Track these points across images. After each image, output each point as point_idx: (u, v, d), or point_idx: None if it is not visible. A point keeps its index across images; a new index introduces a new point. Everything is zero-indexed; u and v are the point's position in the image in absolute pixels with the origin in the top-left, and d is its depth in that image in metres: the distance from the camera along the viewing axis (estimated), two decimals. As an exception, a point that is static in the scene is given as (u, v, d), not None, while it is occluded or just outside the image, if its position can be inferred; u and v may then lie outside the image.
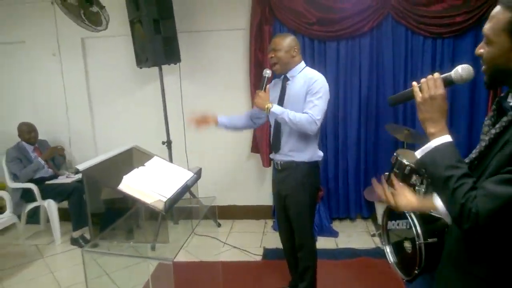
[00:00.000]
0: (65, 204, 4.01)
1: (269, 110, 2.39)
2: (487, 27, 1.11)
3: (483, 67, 1.16)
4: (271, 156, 2.70)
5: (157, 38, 3.49)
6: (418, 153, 1.21)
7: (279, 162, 2.60)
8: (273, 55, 2.51)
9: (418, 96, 1.22)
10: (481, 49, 1.14)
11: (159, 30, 3.50)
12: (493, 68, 1.12)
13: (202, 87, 4.17)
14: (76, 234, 3.91)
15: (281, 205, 2.68)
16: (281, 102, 2.52)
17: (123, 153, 2.42)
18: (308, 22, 3.74)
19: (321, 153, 2.60)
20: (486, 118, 1.23)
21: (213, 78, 4.13)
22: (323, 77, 2.47)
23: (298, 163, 2.51)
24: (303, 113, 2.37)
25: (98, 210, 3.85)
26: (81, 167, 2.09)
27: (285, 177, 2.57)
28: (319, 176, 2.71)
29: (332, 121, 3.93)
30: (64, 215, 4.03)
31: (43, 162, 4.01)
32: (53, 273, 3.40)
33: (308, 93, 2.41)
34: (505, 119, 1.12)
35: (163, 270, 3.27)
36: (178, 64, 3.87)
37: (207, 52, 4.08)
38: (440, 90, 1.18)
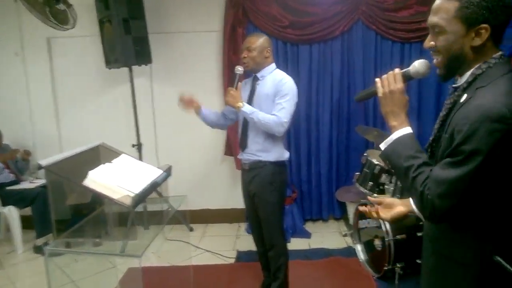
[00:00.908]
0: (26, 211, 3.82)
1: (240, 109, 2.43)
2: (435, 19, 1.15)
3: (437, 58, 1.19)
4: (239, 156, 2.71)
5: (127, 38, 3.41)
6: (382, 146, 1.26)
7: (246, 162, 2.62)
8: (246, 55, 2.52)
9: (380, 91, 1.28)
10: (431, 42, 1.19)
11: (129, 30, 3.43)
12: (449, 56, 1.16)
13: (174, 89, 4.03)
14: (39, 241, 3.73)
15: (251, 205, 2.70)
16: (250, 102, 2.54)
17: (90, 150, 2.32)
18: (281, 25, 3.77)
19: (287, 154, 2.64)
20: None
21: (186, 80, 4.07)
22: (292, 79, 2.51)
23: (265, 162, 2.53)
24: (272, 115, 2.42)
25: (64, 216, 3.69)
26: (43, 162, 1.98)
27: (253, 177, 2.59)
28: (287, 175, 2.76)
29: (304, 123, 3.96)
30: (25, 223, 3.84)
31: (1, 165, 3.83)
32: (15, 284, 3.23)
33: (276, 95, 2.45)
34: (448, 101, 1.19)
35: (132, 276, 3.18)
36: (149, 65, 3.80)
37: (180, 54, 4.03)
38: (399, 85, 1.24)
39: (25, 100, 4.16)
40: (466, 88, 1.14)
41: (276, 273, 2.66)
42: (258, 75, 2.57)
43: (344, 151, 4.08)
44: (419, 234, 2.78)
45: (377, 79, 1.30)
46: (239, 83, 2.52)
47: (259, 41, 2.51)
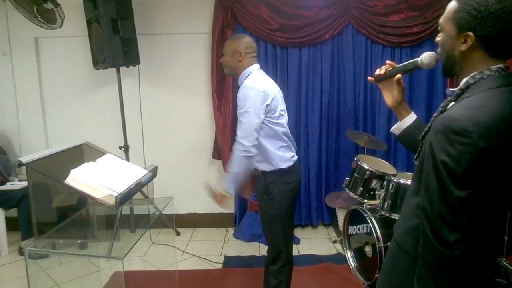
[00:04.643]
0: (12, 212, 3.76)
1: (226, 193, 2.23)
2: (442, 16, 1.21)
3: (439, 54, 1.26)
4: None
5: (115, 38, 3.37)
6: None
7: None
8: (221, 60, 2.43)
9: None
10: (438, 37, 1.24)
11: (117, 30, 3.39)
12: (445, 54, 1.21)
13: (162, 91, 4.07)
14: (25, 243, 3.66)
15: None
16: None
17: (73, 148, 2.27)
18: (271, 28, 3.74)
19: (287, 157, 2.35)
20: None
21: (174, 82, 4.04)
22: (250, 86, 2.21)
23: (261, 171, 2.35)
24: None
25: (49, 219, 3.62)
26: (24, 159, 1.94)
27: (257, 184, 2.45)
28: (294, 181, 2.38)
29: (294, 128, 3.91)
30: (12, 224, 3.77)
31: None
32: (-2, 286, 3.18)
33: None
34: (442, 104, 1.20)
35: (117, 280, 3.13)
36: (137, 66, 3.76)
37: (168, 55, 4.00)
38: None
39: (12, 99, 4.11)
40: (458, 95, 1.15)
41: None
42: (238, 81, 2.37)
43: (334, 155, 4.05)
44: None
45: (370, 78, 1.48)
46: None
47: (231, 44, 2.35)
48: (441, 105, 1.21)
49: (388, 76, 1.44)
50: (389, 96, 1.46)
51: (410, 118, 1.44)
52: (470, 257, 1.06)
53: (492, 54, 1.12)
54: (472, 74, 1.14)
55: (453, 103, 1.15)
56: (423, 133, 1.22)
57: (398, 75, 1.41)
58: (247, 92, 2.20)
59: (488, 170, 1.03)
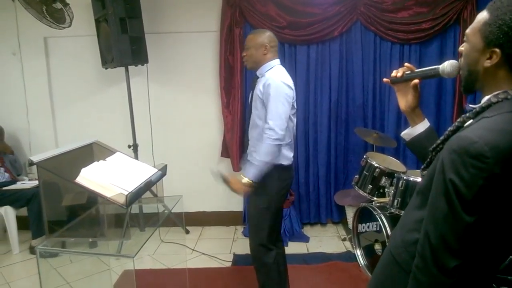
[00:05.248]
0: (23, 212, 3.79)
1: (249, 182, 2.25)
2: (470, 26, 1.11)
3: (462, 64, 1.16)
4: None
5: (123, 37, 3.38)
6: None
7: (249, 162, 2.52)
8: (244, 54, 2.46)
9: None
10: (462, 47, 1.15)
11: (126, 29, 3.39)
12: (467, 67, 1.12)
13: (171, 89, 4.08)
14: (35, 242, 3.69)
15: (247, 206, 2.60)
16: (250, 102, 2.47)
17: (83, 147, 2.28)
18: (279, 26, 3.73)
19: (289, 156, 2.43)
20: None
21: (182, 80, 4.04)
22: (277, 78, 2.29)
23: None
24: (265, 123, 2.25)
25: (59, 217, 3.64)
26: (35, 158, 1.95)
27: None
28: (288, 179, 2.49)
29: (302, 125, 3.92)
30: (23, 223, 3.81)
31: None
32: (9, 284, 3.20)
33: (264, 99, 2.30)
34: (459, 119, 1.12)
35: (127, 279, 3.15)
36: (145, 65, 3.77)
37: (176, 54, 4.00)
38: None
39: (21, 99, 4.14)
40: (479, 112, 1.07)
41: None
42: (258, 72, 2.45)
43: (343, 153, 4.03)
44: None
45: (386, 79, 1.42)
46: None
47: (256, 37, 2.41)
48: (458, 120, 1.13)
49: (405, 79, 1.38)
50: (404, 100, 1.40)
51: (423, 125, 1.39)
52: (465, 285, 1.00)
53: None
54: (495, 93, 1.05)
55: (471, 120, 1.07)
56: (434, 145, 1.15)
57: (416, 80, 1.34)
58: (279, 83, 2.27)
59: (500, 197, 0.95)
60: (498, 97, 1.04)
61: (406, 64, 1.41)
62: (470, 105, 1.14)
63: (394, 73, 1.41)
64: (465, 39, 1.12)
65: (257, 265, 2.50)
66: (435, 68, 1.28)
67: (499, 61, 1.02)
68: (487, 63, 1.04)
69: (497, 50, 1.01)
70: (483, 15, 1.05)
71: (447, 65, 1.24)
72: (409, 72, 1.38)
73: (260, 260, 2.47)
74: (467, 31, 1.10)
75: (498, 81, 1.05)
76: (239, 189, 2.29)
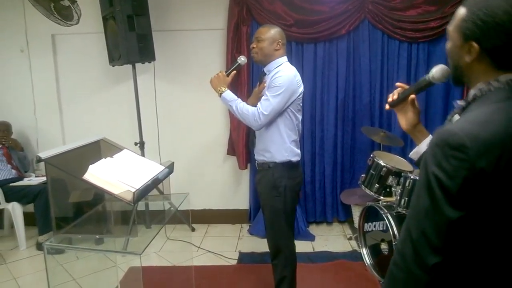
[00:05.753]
0: (30, 208, 3.81)
1: (221, 94, 2.35)
2: (450, 22, 1.13)
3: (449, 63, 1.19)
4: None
5: (131, 35, 3.39)
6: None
7: (256, 161, 2.51)
8: (255, 45, 2.40)
9: None
10: (446, 45, 1.17)
11: (133, 27, 3.40)
12: (452, 62, 1.14)
13: (177, 87, 4.08)
14: (42, 238, 3.71)
15: (261, 206, 2.59)
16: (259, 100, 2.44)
17: (91, 144, 2.29)
18: (286, 24, 3.71)
19: (297, 151, 2.43)
20: None
21: (189, 78, 4.04)
22: (289, 74, 2.29)
23: (268, 164, 2.38)
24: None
25: (66, 214, 3.67)
26: (43, 155, 1.96)
27: (261, 178, 2.46)
28: (298, 177, 2.48)
29: (309, 123, 3.91)
30: (30, 219, 3.84)
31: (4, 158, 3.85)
32: (16, 279, 3.22)
33: (267, 89, 2.31)
34: (449, 116, 1.15)
35: (133, 275, 3.16)
36: (152, 63, 3.77)
37: (183, 52, 4.00)
38: None
39: (29, 96, 4.16)
40: (465, 107, 1.08)
41: (278, 285, 2.50)
42: (265, 69, 2.42)
43: (349, 152, 4.01)
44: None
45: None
46: (234, 71, 2.44)
47: (271, 31, 2.37)
48: (448, 117, 1.16)
49: (402, 99, 1.36)
50: (404, 119, 1.39)
51: (428, 141, 1.36)
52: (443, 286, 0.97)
53: (499, 66, 1.04)
54: (479, 86, 1.06)
55: (457, 115, 1.09)
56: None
57: (412, 96, 1.33)
58: (288, 79, 2.27)
59: (487, 193, 0.92)
60: (482, 90, 1.05)
61: (397, 83, 1.42)
62: (458, 101, 1.16)
63: (390, 98, 1.41)
64: (447, 36, 1.14)
65: (277, 261, 2.48)
66: (424, 78, 1.29)
67: (479, 55, 1.04)
68: (468, 58, 1.06)
69: (475, 44, 1.03)
70: (461, 12, 1.07)
71: (435, 71, 1.25)
72: (403, 90, 1.38)
73: (280, 256, 2.46)
74: (449, 28, 1.12)
75: (480, 74, 1.06)
76: (214, 81, 2.43)
